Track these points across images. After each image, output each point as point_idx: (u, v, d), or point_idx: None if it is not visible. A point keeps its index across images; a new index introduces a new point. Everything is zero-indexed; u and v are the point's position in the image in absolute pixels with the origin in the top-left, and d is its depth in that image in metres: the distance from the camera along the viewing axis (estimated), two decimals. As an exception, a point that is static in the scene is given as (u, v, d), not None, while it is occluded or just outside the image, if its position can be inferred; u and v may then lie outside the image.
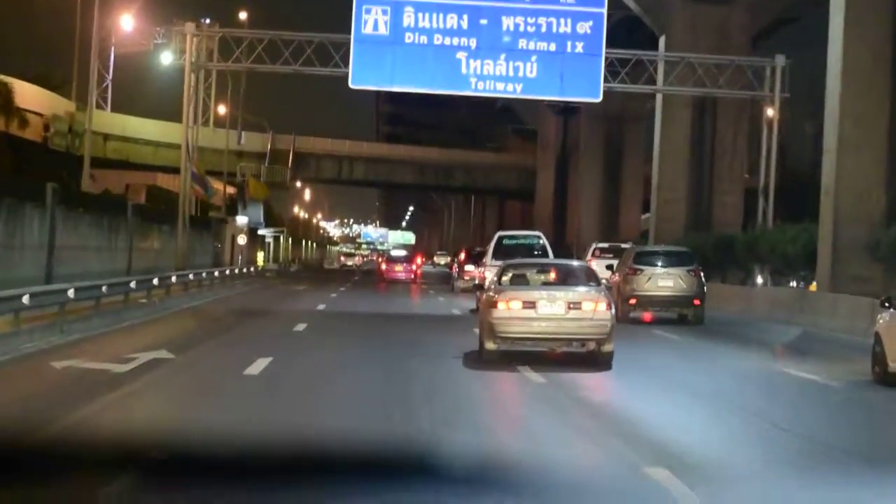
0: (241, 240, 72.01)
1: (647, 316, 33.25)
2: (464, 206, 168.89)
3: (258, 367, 18.90)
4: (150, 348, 21.40)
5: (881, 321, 18.44)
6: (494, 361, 19.32)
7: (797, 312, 32.26)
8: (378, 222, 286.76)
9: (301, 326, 28.81)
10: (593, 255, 43.70)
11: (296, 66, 48.56)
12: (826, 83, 35.61)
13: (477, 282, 38.55)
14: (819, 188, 36.53)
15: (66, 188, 37.89)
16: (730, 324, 33.46)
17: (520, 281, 20.31)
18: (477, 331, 21.04)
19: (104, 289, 28.66)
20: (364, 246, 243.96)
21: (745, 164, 57.61)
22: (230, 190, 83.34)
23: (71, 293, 25.56)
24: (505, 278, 20.29)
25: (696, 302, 32.10)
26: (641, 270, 32.66)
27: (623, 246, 44.94)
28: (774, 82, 48.56)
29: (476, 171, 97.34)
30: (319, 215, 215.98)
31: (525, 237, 39.30)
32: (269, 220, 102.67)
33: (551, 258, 33.78)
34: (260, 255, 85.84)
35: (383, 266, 72.38)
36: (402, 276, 67.09)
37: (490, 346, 19.17)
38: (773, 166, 48.91)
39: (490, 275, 30.58)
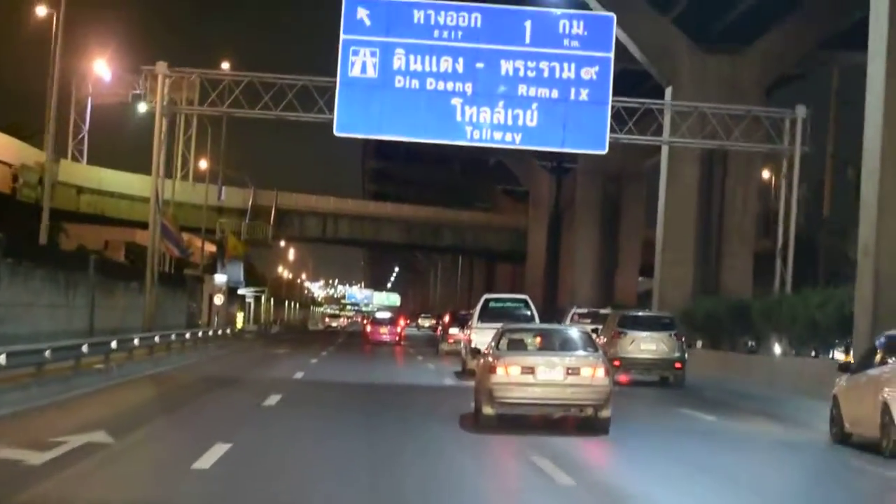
0: (218, 299, 67.95)
1: (624, 378, 33.25)
2: (451, 266, 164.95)
3: (211, 457, 15.11)
4: (87, 428, 17.43)
5: (838, 385, 19.72)
6: (499, 453, 17.62)
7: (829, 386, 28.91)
8: (363, 283, 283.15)
9: (273, 399, 24.72)
10: (571, 319, 43.19)
11: (277, 112, 44.69)
12: (864, 134, 32.45)
13: (462, 345, 38.64)
14: (816, 250, 32.48)
15: (14, 240, 33.67)
16: (752, 398, 30.86)
17: (517, 346, 20.18)
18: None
19: (48, 353, 24.53)
20: (348, 307, 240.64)
21: (754, 223, 53.86)
22: (210, 247, 79.35)
23: (2, 359, 21.53)
24: (502, 343, 20.07)
25: (678, 365, 33.08)
26: (625, 333, 33.59)
27: (602, 312, 45.29)
28: (795, 134, 44.80)
29: (465, 230, 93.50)
30: (304, 275, 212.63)
31: (511, 300, 38.42)
32: (251, 280, 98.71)
33: (537, 322, 33.48)
34: (239, 316, 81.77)
35: (368, 328, 72.46)
36: (386, 338, 67.10)
37: (488, 411, 19.01)
38: (792, 227, 45.12)
39: (477, 337, 32.15)
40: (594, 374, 18.65)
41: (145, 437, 18.16)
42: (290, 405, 24.12)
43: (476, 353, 29.37)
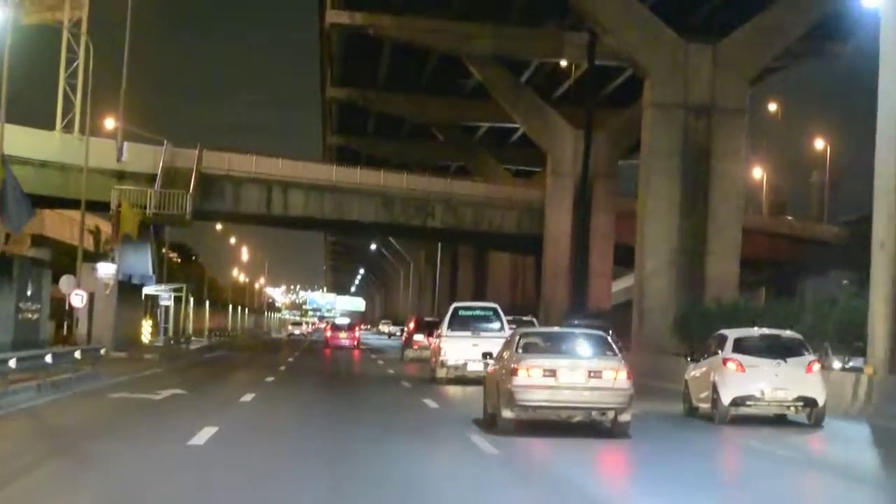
0: (78, 300, 40.69)
1: None
2: (425, 266, 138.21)
3: None
4: None
5: (688, 371, 24.36)
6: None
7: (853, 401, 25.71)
8: (325, 288, 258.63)
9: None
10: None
11: None
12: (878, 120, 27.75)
13: (430, 352, 37.67)
14: None
15: None
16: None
17: (535, 349, 19.21)
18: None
19: None
20: (310, 313, 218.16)
21: None
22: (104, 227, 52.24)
23: None
24: (520, 346, 19.16)
25: None
26: None
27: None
28: None
29: (462, 207, 66.65)
30: (262, 279, 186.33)
31: (481, 308, 35.47)
32: (177, 275, 71.35)
33: (507, 330, 31.06)
34: (145, 326, 54.26)
35: (328, 333, 73.85)
36: (345, 342, 69.37)
37: (508, 414, 18.20)
38: None
39: (447, 346, 32.63)
40: (616, 377, 18.00)
41: None
42: None
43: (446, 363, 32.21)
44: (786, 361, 21.90)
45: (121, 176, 55.92)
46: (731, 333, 23.39)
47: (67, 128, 55.28)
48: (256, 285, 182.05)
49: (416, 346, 50.07)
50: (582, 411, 18.33)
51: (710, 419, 22.33)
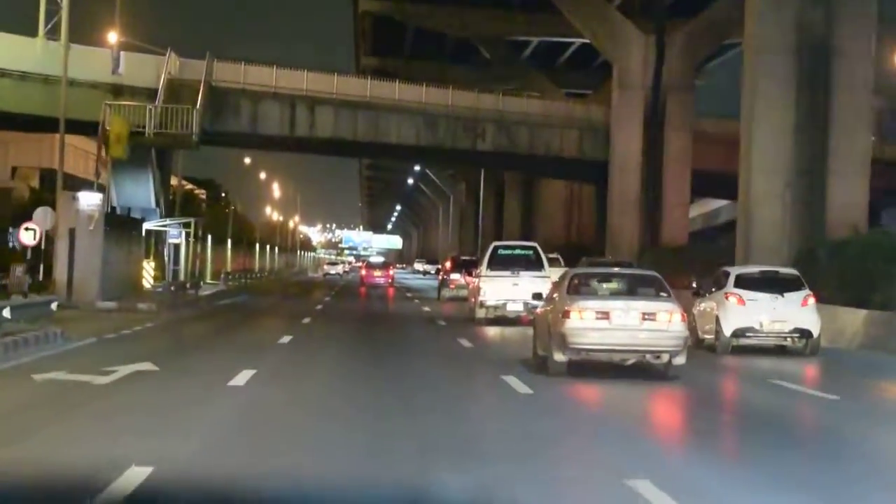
0: (29, 236, 31.60)
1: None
2: (467, 200, 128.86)
3: None
4: None
5: (695, 306, 24.93)
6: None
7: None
8: (361, 226, 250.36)
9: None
10: None
11: None
12: None
13: (469, 291, 37.07)
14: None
15: None
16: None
17: (588, 290, 18.42)
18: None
19: None
20: (346, 252, 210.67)
21: None
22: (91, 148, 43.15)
23: None
24: (572, 287, 18.39)
25: None
26: None
27: None
28: None
29: (516, 127, 57.13)
30: (297, 218, 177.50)
31: (521, 247, 34.14)
32: (189, 209, 62.45)
33: (547, 270, 31.63)
34: (147, 268, 45.10)
35: (363, 272, 73.73)
36: (380, 280, 69.28)
37: (559, 357, 17.63)
38: None
39: (486, 286, 31.39)
40: (671, 319, 17.30)
41: None
42: None
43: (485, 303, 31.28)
44: (783, 296, 22.91)
45: (117, 91, 46.68)
46: (734, 270, 24.69)
47: (52, 34, 45.95)
48: (290, 224, 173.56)
49: (452, 286, 49.20)
50: (636, 354, 17.74)
51: (712, 350, 23.67)
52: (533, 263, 32.15)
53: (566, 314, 17.37)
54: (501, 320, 31.60)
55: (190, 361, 20.36)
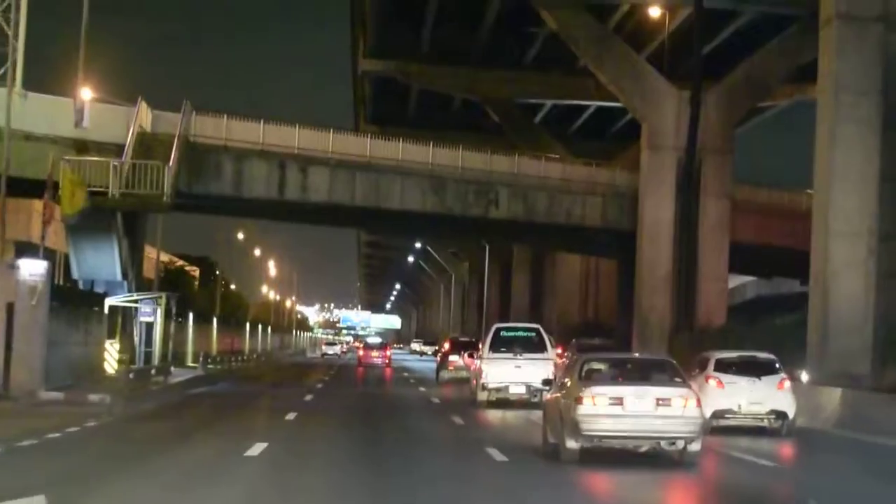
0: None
1: None
2: (470, 279, 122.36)
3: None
4: None
5: None
6: None
7: None
8: (360, 306, 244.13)
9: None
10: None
11: None
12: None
13: (472, 375, 35.31)
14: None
15: None
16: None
17: (599, 375, 17.91)
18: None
19: None
20: (344, 332, 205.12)
21: None
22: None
23: None
24: (583, 372, 17.82)
25: None
26: None
27: None
28: None
29: (533, 192, 50.64)
30: (294, 297, 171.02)
31: (524, 329, 33.48)
32: (180, 287, 55.76)
33: (550, 353, 31.60)
34: (111, 350, 37.96)
35: (361, 352, 73.66)
36: (378, 361, 68.56)
37: (572, 445, 16.91)
38: None
39: (488, 368, 30.69)
40: (686, 404, 16.68)
41: None
42: None
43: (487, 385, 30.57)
44: (760, 379, 23.29)
45: (81, 147, 40.09)
46: (713, 355, 24.98)
47: (4, 80, 39.46)
48: (287, 303, 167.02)
49: (451, 367, 48.46)
50: (650, 441, 16.95)
51: None
52: (536, 346, 31.54)
53: (579, 400, 16.69)
54: (504, 402, 30.76)
55: (104, 495, 13.51)
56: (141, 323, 42.02)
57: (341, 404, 32.65)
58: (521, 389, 30.49)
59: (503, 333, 32.47)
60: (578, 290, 70.72)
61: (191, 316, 54.59)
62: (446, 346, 52.40)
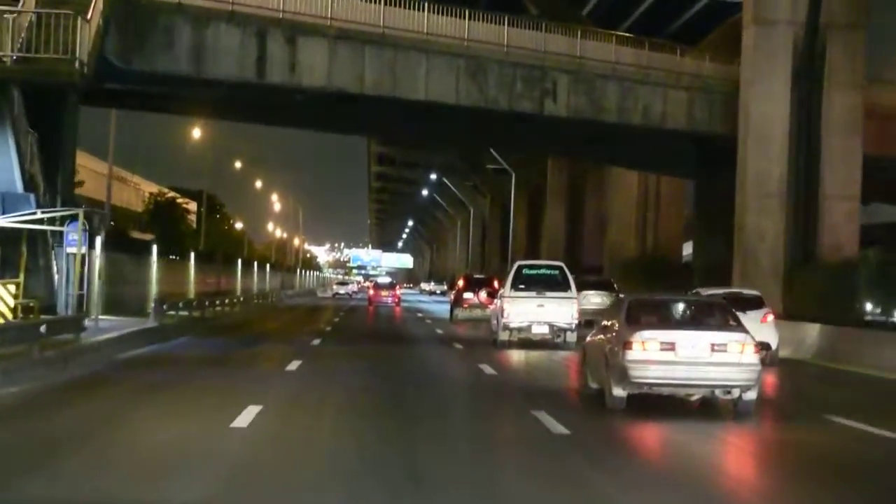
0: None
1: None
2: (492, 211, 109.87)
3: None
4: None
5: None
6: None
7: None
8: (371, 244, 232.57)
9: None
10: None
11: None
12: None
13: (492, 314, 33.19)
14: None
15: None
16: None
17: (650, 318, 16.23)
18: None
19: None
20: (354, 271, 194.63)
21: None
22: None
23: None
24: (631, 315, 16.25)
25: None
26: None
27: None
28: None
29: (602, 82, 37.49)
30: (300, 234, 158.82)
31: (546, 267, 31.85)
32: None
33: (574, 292, 29.80)
34: (2, 291, 24.82)
35: (371, 292, 74.12)
36: (388, 300, 68.53)
37: (619, 392, 15.52)
38: None
39: (510, 307, 29.12)
40: (743, 350, 15.29)
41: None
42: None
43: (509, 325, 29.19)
44: (745, 314, 22.62)
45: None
46: (703, 292, 24.56)
47: None
48: (295, 242, 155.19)
49: (466, 305, 46.67)
50: (703, 389, 15.60)
51: None
52: (559, 284, 30.12)
53: (627, 345, 15.26)
54: (526, 342, 29.39)
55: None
56: (67, 255, 28.91)
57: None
58: (544, 329, 29.10)
59: (525, 271, 30.95)
60: (634, 219, 57.34)
61: (154, 250, 41.49)
62: (460, 283, 49.99)
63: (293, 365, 22.25)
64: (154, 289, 41.89)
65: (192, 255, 50.83)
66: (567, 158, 66.50)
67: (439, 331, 37.56)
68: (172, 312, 35.52)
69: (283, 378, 20.04)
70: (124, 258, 39.19)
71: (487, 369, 22.16)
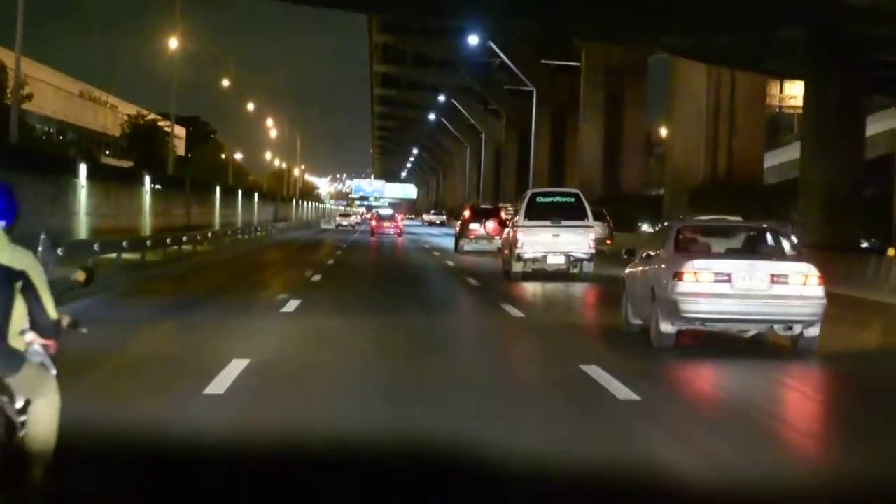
0: None
1: None
2: (507, 135, 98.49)
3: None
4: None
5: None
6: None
7: None
8: (373, 175, 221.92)
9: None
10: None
11: None
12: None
13: (503, 243, 32.42)
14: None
15: None
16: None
17: (699, 246, 14.66)
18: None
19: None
20: (357, 202, 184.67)
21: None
22: None
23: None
24: (679, 243, 14.58)
25: None
26: None
27: None
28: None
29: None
30: (297, 163, 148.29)
31: (561, 195, 30.20)
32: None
33: (591, 220, 28.12)
34: None
35: (373, 223, 72.56)
36: (390, 231, 68.00)
37: (668, 328, 13.84)
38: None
39: (524, 237, 27.61)
40: (806, 282, 13.53)
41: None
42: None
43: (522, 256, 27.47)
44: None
45: None
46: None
47: None
48: (296, 172, 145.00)
49: (471, 236, 44.91)
50: (762, 324, 13.98)
51: None
52: (575, 212, 28.22)
53: (679, 276, 13.57)
54: (541, 274, 27.64)
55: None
56: None
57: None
58: (560, 260, 27.34)
59: (539, 199, 29.28)
60: (703, 135, 45.54)
61: (82, 170, 29.94)
62: (466, 213, 48.36)
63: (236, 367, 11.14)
64: (84, 224, 30.51)
65: (147, 178, 39.15)
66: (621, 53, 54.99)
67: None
68: (113, 255, 24.54)
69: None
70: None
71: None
